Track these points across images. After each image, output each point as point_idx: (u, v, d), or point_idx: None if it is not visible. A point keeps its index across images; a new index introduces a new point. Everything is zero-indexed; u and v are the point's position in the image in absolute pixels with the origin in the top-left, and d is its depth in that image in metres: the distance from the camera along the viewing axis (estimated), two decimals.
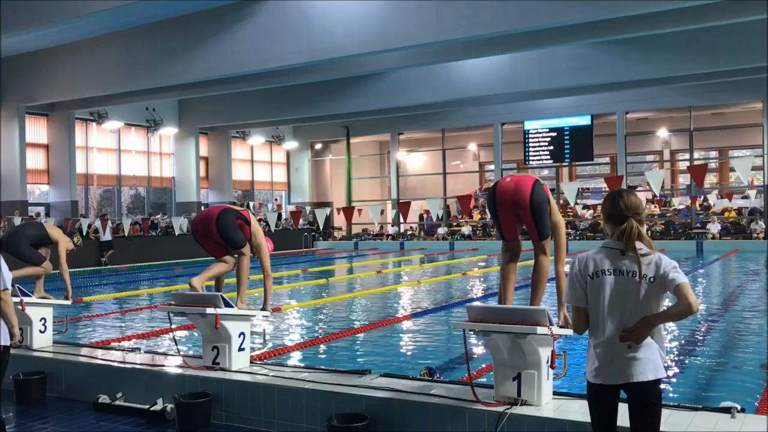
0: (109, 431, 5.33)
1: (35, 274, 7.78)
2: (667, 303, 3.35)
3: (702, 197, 26.70)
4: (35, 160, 23.20)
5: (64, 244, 7.97)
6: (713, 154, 31.53)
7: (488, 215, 29.07)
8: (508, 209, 4.93)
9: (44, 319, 7.09)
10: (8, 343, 4.64)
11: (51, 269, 7.93)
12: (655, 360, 3.25)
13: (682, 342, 8.18)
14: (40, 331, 7.05)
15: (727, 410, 4.24)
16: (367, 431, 4.71)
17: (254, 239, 6.45)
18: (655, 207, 26.80)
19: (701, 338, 8.49)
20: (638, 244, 3.27)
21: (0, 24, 15.17)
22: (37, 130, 23.29)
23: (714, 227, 24.55)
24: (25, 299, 6.94)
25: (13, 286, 5.06)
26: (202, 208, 27.06)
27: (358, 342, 8.65)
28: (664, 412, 3.48)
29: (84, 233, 21.02)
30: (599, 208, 25.77)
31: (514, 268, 5.13)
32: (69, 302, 7.85)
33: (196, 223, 6.58)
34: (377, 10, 14.87)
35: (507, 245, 5.12)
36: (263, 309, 6.41)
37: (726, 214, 26.04)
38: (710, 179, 30.34)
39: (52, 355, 6.71)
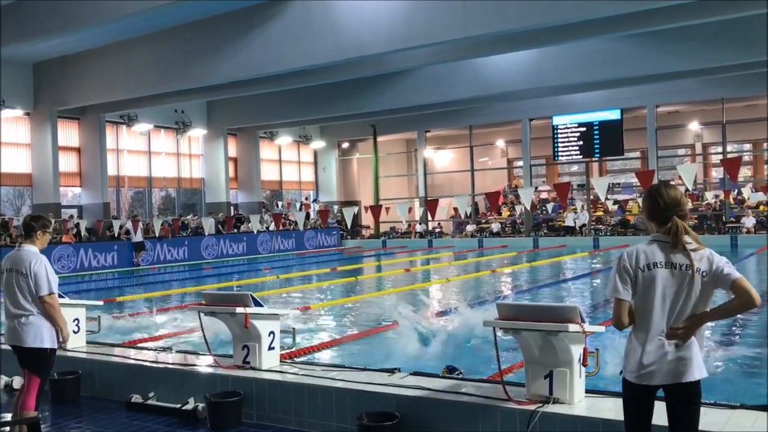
0: (142, 430, 5.38)
1: None
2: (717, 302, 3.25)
3: (736, 191, 26.20)
4: (67, 163, 23.59)
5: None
6: (747, 146, 30.93)
7: (517, 212, 28.48)
8: None
9: (77, 319, 7.18)
10: (55, 346, 4.70)
11: None
12: (698, 359, 3.15)
13: (719, 338, 8.01)
14: (74, 332, 7.12)
15: (765, 408, 4.15)
16: (397, 430, 4.69)
17: None
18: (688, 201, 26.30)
19: (738, 334, 8.32)
20: (686, 239, 3.16)
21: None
22: (69, 134, 23.69)
23: (749, 221, 24.11)
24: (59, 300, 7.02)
25: None
26: (232, 208, 27.30)
27: (387, 340, 8.61)
28: (701, 410, 3.39)
29: (116, 234, 21.35)
30: (629, 203, 25.48)
31: None
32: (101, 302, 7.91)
33: None
34: (403, 7, 14.84)
35: None
36: None
37: (761, 208, 25.54)
38: (744, 172, 29.76)
39: (86, 355, 6.80)
